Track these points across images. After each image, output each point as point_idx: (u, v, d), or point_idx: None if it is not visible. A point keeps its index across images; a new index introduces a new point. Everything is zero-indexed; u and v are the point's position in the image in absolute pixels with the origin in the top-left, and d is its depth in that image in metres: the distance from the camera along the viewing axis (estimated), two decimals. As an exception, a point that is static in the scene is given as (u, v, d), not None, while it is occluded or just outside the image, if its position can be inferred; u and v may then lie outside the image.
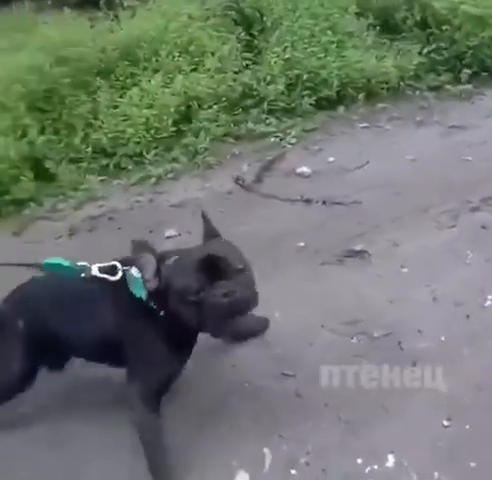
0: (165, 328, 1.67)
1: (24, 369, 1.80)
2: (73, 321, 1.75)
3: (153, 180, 3.46)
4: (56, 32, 3.91)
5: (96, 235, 3.08)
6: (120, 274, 1.69)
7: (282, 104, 3.87)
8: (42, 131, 3.58)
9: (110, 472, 1.76)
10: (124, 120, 3.63)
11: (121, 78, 3.84)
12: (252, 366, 2.10)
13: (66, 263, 1.76)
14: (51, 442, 1.86)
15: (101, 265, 1.72)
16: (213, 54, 3.96)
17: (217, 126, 3.73)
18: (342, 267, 2.57)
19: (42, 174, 3.53)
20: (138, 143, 3.61)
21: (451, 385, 1.94)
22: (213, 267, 1.52)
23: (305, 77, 3.90)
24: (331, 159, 3.43)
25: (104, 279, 1.69)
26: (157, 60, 3.87)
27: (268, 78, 3.90)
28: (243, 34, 4.14)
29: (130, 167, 3.59)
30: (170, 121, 3.67)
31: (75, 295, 1.78)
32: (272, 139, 3.72)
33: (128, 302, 1.67)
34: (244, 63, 4.02)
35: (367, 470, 1.73)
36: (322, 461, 1.76)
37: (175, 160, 3.60)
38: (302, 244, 2.72)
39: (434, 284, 2.41)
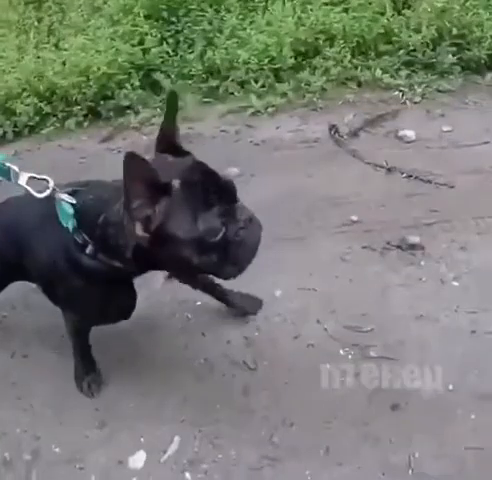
0: (92, 267, 1.42)
1: None
2: (20, 244, 1.59)
3: (251, 111, 3.23)
4: None
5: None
6: (47, 192, 1.40)
7: (421, 57, 3.28)
8: (160, 42, 3.51)
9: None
10: (243, 44, 3.40)
11: (255, 0, 3.56)
12: (213, 344, 1.91)
13: None
14: None
15: (35, 175, 1.43)
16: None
17: (340, 67, 3.32)
18: (382, 258, 2.16)
19: (150, 85, 3.51)
20: (251, 70, 3.37)
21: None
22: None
23: (455, 32, 3.24)
24: (447, 128, 2.86)
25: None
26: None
27: (413, 25, 3.32)
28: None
29: (237, 94, 3.40)
30: (290, 52, 3.34)
31: (31, 215, 1.58)
32: (395, 93, 3.20)
33: (53, 228, 1.44)
34: (391, 5, 3.45)
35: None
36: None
37: (283, 95, 3.30)
38: (354, 218, 2.34)
39: (482, 313, 1.89)
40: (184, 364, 1.83)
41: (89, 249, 1.40)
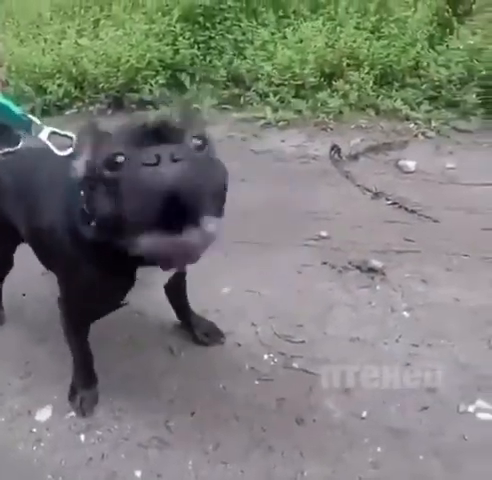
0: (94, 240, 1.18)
1: None
2: (22, 195, 1.50)
3: (262, 122, 3.25)
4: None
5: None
6: (69, 151, 1.24)
7: (446, 93, 3.23)
8: (192, 45, 3.60)
9: None
10: (269, 58, 3.44)
11: (290, 16, 3.61)
12: (144, 325, 1.92)
13: (15, 109, 1.32)
14: None
15: (57, 130, 1.29)
16: (397, 20, 3.44)
17: (361, 93, 3.30)
18: (339, 276, 2.10)
19: (174, 85, 3.58)
20: (273, 83, 3.40)
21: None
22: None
23: (484, 73, 3.17)
24: (450, 165, 2.78)
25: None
26: (335, 9, 3.51)
27: (442, 61, 3.27)
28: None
29: (255, 104, 3.43)
30: (314, 71, 3.35)
31: (39, 166, 1.47)
32: (411, 125, 3.16)
33: (68, 191, 1.26)
34: (424, 38, 3.41)
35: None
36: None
37: (298, 111, 3.31)
38: (324, 234, 2.30)
39: (423, 347, 1.79)
40: (111, 338, 1.83)
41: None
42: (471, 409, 1.58)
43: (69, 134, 1.28)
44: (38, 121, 1.31)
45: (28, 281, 2.13)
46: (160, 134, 1.02)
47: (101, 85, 3.59)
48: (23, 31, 4.13)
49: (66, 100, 3.70)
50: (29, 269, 2.11)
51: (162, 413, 1.63)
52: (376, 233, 2.31)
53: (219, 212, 1.04)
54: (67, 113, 3.64)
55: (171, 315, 1.89)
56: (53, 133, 1.30)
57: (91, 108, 3.61)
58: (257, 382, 1.71)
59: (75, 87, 3.68)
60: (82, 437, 1.60)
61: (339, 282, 2.07)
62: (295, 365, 1.76)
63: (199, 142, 1.05)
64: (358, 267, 2.12)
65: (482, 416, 1.57)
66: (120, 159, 0.99)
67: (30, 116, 1.32)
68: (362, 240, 2.26)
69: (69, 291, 1.47)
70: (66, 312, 1.53)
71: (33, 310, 2.05)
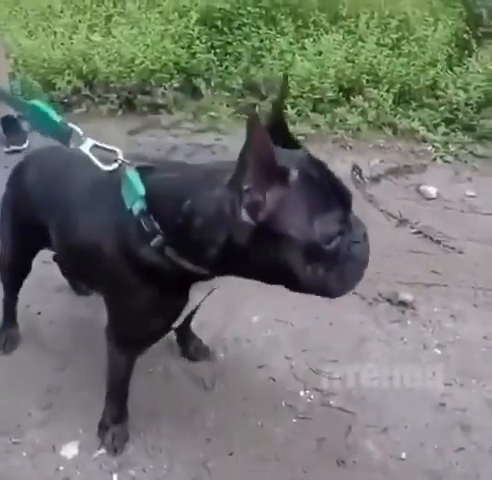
0: (152, 262, 1.16)
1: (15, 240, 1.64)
2: (55, 204, 1.40)
3: (279, 136, 3.20)
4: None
5: (188, 162, 2.97)
6: (115, 166, 1.19)
7: (463, 117, 3.23)
8: (209, 50, 3.53)
9: None
10: (288, 68, 3.39)
11: (309, 27, 3.56)
12: (176, 355, 1.86)
13: (55, 117, 1.24)
14: None
15: (101, 144, 1.23)
16: (417, 38, 3.42)
17: (379, 110, 3.28)
18: (369, 308, 2.09)
19: (188, 89, 3.52)
20: (291, 96, 3.33)
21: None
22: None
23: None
24: (470, 193, 2.78)
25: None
26: (355, 23, 3.48)
27: (461, 84, 3.27)
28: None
29: (271, 115, 3.37)
30: (333, 86, 3.32)
31: (84, 176, 1.33)
32: (428, 147, 3.16)
33: (114, 207, 1.18)
34: (444, 58, 3.41)
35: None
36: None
37: (316, 126, 3.27)
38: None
39: (457, 387, 1.79)
40: (142, 368, 1.77)
41: (156, 241, 1.12)
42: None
43: (114, 149, 1.21)
44: (80, 131, 1.24)
45: (42, 298, 2.07)
46: (342, 197, 1.07)
47: (113, 85, 3.50)
48: (31, 22, 3.99)
49: (74, 97, 3.59)
50: (42, 284, 2.07)
51: (199, 452, 1.58)
52: (403, 263, 2.31)
53: None
54: (76, 111, 3.53)
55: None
56: (96, 146, 1.23)
57: (101, 107, 3.51)
58: (295, 420, 1.69)
59: (85, 85, 3.57)
60: (115, 477, 1.52)
61: (370, 315, 2.06)
62: (332, 403, 1.74)
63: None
64: (388, 300, 2.11)
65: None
66: (338, 238, 1.04)
67: (71, 125, 1.24)
68: (390, 270, 2.25)
69: (122, 316, 1.35)
70: (117, 341, 1.41)
71: (50, 331, 1.97)
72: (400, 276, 2.23)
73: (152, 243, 1.12)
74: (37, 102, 1.27)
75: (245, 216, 0.98)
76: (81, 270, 1.49)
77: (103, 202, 1.24)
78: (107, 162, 1.20)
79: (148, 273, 1.18)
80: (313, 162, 1.06)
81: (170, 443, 1.60)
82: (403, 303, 2.10)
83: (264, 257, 1.02)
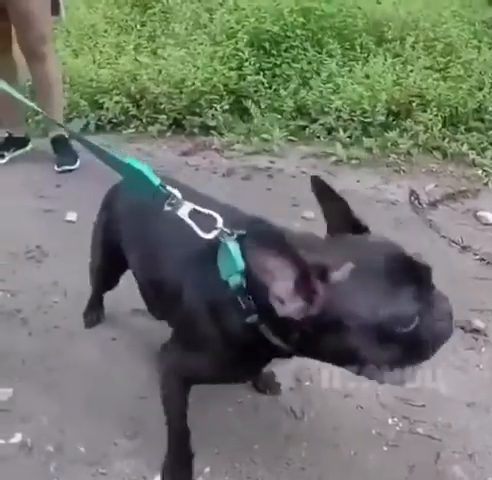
0: (244, 338, 1.15)
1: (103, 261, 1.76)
2: (141, 244, 1.44)
3: (334, 159, 3.25)
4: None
5: (247, 185, 3.02)
6: (214, 234, 1.15)
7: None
8: (258, 72, 3.58)
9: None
10: (338, 91, 3.44)
11: (357, 50, 3.61)
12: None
13: (154, 179, 1.22)
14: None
15: (199, 208, 1.19)
16: (463, 62, 3.48)
17: (429, 134, 3.32)
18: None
19: (238, 110, 3.56)
20: (342, 118, 3.39)
21: None
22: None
23: None
24: (527, 218, 2.82)
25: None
26: (401, 43, 3.53)
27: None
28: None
29: (322, 138, 3.42)
30: (382, 109, 3.36)
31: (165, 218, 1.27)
32: (479, 171, 3.19)
33: (209, 274, 1.15)
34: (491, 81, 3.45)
35: None
36: None
37: (368, 150, 3.31)
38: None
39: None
40: (231, 398, 1.79)
41: (252, 318, 1.09)
42: None
43: (213, 214, 1.18)
44: (179, 195, 1.22)
45: (117, 322, 2.10)
46: (416, 274, 1.04)
47: (162, 105, 3.54)
48: (75, 41, 4.04)
49: (122, 117, 3.64)
50: (117, 307, 2.09)
51: (295, 481, 1.60)
52: (470, 290, 2.33)
53: None
54: (124, 132, 3.58)
55: (288, 375, 1.86)
56: (195, 211, 1.19)
57: (150, 128, 3.56)
58: (386, 448, 1.71)
59: (133, 105, 3.62)
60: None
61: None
62: (420, 430, 1.76)
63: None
64: (462, 327, 2.13)
65: None
66: (416, 318, 1.01)
67: (170, 188, 1.22)
68: (459, 297, 2.22)
69: (196, 358, 1.30)
70: (175, 368, 1.40)
71: (126, 359, 1.96)
72: (469, 303, 2.25)
73: (248, 320, 1.10)
74: (133, 160, 1.23)
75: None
76: (159, 309, 1.50)
77: (196, 265, 1.22)
78: (202, 223, 1.17)
79: (238, 345, 1.18)
80: (376, 244, 1.07)
81: (265, 473, 1.61)
82: (476, 330, 2.12)
83: (331, 345, 1.02)
